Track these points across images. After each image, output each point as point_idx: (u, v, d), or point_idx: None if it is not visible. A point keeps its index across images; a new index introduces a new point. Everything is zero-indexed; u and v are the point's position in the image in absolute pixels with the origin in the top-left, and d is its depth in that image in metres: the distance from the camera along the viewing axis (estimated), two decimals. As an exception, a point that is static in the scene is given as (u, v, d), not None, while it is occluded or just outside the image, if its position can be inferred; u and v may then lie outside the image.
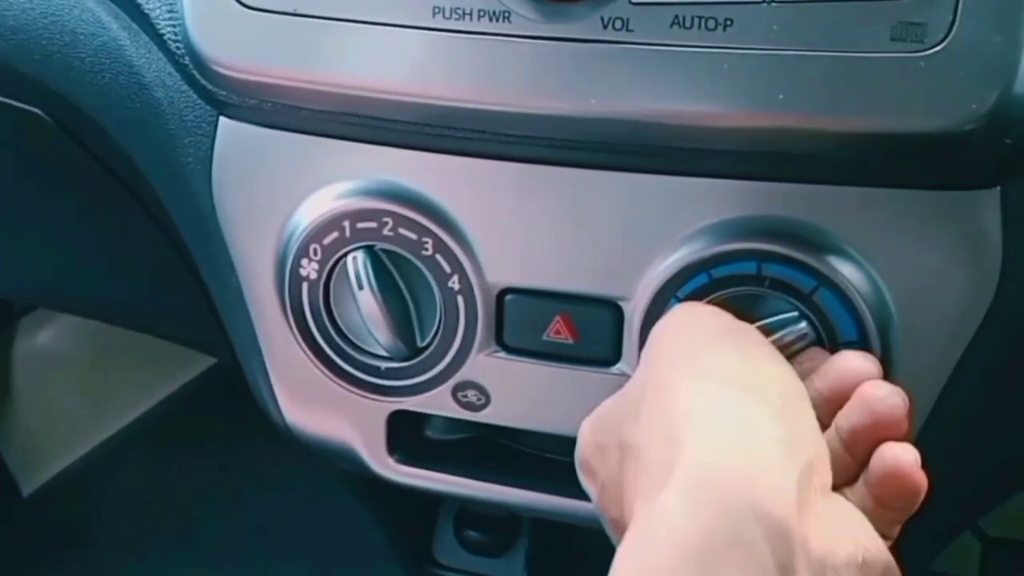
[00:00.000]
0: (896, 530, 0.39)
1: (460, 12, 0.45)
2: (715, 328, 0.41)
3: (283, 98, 0.49)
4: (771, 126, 0.42)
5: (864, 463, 0.39)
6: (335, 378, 0.54)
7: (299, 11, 0.47)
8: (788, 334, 0.45)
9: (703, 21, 0.42)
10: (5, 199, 0.69)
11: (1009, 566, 0.97)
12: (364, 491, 0.69)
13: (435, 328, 0.51)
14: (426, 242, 0.49)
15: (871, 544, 0.36)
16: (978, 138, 0.41)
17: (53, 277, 0.73)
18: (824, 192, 0.45)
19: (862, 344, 0.45)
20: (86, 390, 1.23)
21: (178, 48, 0.51)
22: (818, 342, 0.45)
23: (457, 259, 0.49)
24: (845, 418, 0.39)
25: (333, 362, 0.54)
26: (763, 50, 0.42)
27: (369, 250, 0.50)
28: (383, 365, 0.53)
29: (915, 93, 0.40)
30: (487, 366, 0.51)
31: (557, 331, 0.50)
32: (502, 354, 0.51)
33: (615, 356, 0.50)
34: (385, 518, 0.75)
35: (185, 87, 0.52)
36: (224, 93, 0.50)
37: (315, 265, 0.51)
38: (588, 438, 0.42)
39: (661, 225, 0.47)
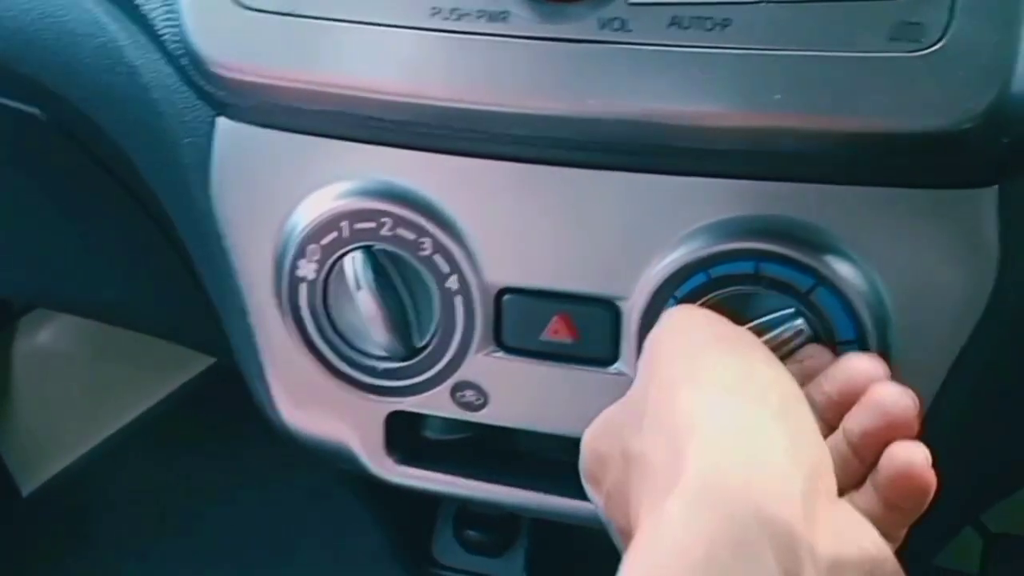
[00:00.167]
0: (902, 533, 0.39)
1: (458, 13, 0.45)
2: (711, 333, 0.41)
3: (281, 98, 0.49)
4: (768, 126, 0.43)
5: (871, 466, 0.38)
6: (333, 378, 0.54)
7: (297, 12, 0.47)
8: (785, 331, 0.45)
9: (700, 21, 0.42)
10: (4, 199, 0.69)
11: (1011, 561, 0.97)
12: (363, 491, 0.69)
13: (433, 328, 0.51)
14: (424, 242, 0.49)
15: (877, 551, 0.36)
16: (975, 137, 0.41)
17: (52, 277, 0.73)
18: (822, 191, 0.45)
19: (859, 343, 0.45)
20: (86, 389, 1.23)
21: (176, 49, 0.51)
22: (815, 340, 0.46)
23: (455, 259, 0.49)
24: (855, 421, 0.39)
25: (330, 362, 0.54)
26: (760, 50, 0.42)
27: (367, 250, 0.50)
28: (381, 365, 0.53)
29: (912, 93, 0.41)
30: (485, 366, 0.51)
31: (555, 331, 0.50)
32: (500, 354, 0.51)
33: (613, 355, 0.50)
34: (384, 518, 0.75)
35: (183, 87, 0.52)
36: (222, 93, 0.50)
37: (313, 265, 0.51)
38: (590, 449, 0.42)
39: (659, 225, 0.47)
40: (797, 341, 0.45)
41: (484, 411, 0.53)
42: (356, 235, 0.50)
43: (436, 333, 0.51)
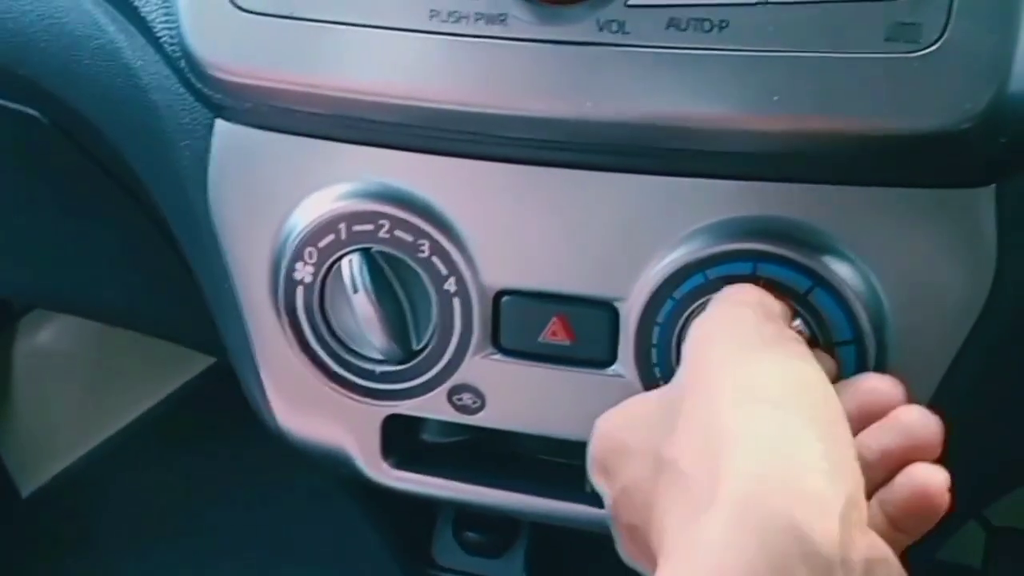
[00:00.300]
0: (898, 552, 0.39)
1: (456, 15, 0.45)
2: (760, 337, 0.40)
3: (279, 101, 0.49)
4: (766, 127, 0.43)
5: (879, 484, 0.38)
6: (329, 382, 0.54)
7: (295, 14, 0.47)
8: None
9: (698, 23, 0.42)
10: (4, 200, 0.69)
11: (1014, 555, 0.97)
12: (361, 493, 0.69)
13: (431, 331, 0.51)
14: (422, 244, 0.49)
15: None
16: (973, 137, 0.41)
17: (52, 278, 0.73)
18: (819, 192, 0.45)
19: (857, 343, 0.45)
20: (86, 390, 1.23)
21: (174, 51, 0.51)
22: (813, 341, 0.45)
23: (453, 261, 0.49)
24: (875, 439, 0.39)
25: (327, 366, 0.54)
26: (758, 51, 0.42)
27: (365, 253, 0.50)
28: (378, 369, 0.53)
29: (910, 93, 0.41)
30: (483, 368, 0.51)
31: (553, 332, 0.50)
32: (498, 356, 0.51)
33: (611, 357, 0.50)
34: (383, 520, 0.75)
35: (181, 90, 0.52)
36: (220, 96, 0.50)
37: (310, 268, 0.51)
38: (608, 436, 0.42)
39: (657, 226, 0.47)
40: None
41: (481, 414, 0.53)
42: (354, 237, 0.50)
43: (433, 336, 0.51)
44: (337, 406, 0.55)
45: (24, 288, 0.78)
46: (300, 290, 0.52)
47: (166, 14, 0.51)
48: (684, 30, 0.42)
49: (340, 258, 0.51)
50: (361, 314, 0.50)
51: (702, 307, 0.46)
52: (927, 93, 0.40)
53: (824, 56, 0.41)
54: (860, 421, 0.40)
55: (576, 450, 0.46)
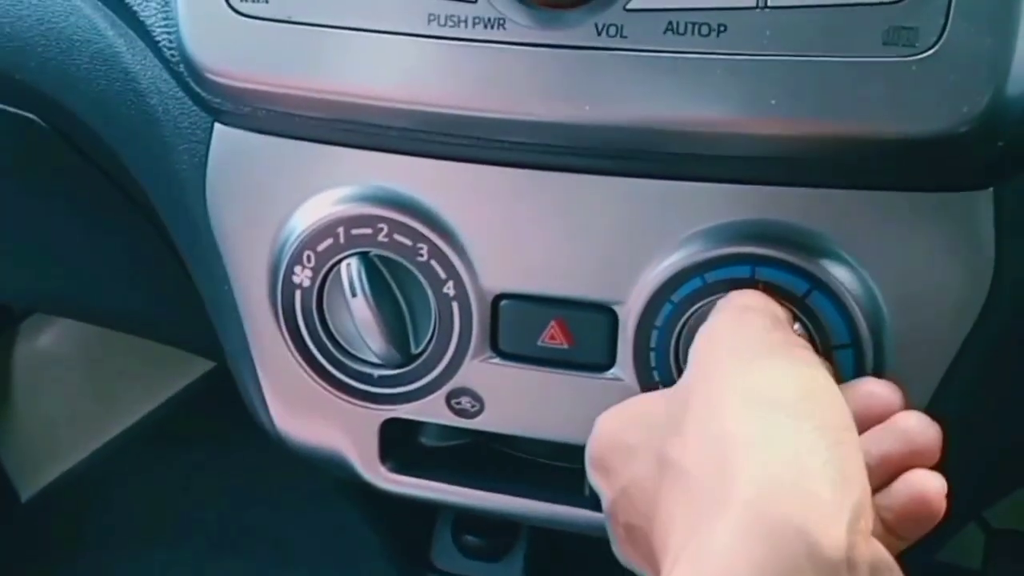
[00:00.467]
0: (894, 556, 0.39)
1: (455, 19, 0.45)
2: (769, 342, 0.40)
3: (278, 105, 0.49)
4: (765, 131, 0.43)
5: (876, 489, 0.38)
6: (327, 386, 0.54)
7: (293, 19, 0.47)
8: None
9: (697, 27, 0.42)
10: (4, 204, 0.69)
11: (1013, 557, 0.97)
12: (359, 497, 0.69)
13: (429, 334, 0.51)
14: (421, 248, 0.49)
15: None
16: (971, 140, 0.41)
17: (51, 282, 0.73)
18: (817, 195, 0.45)
19: (855, 347, 0.45)
20: (86, 394, 1.23)
21: (173, 55, 0.51)
22: (811, 344, 0.45)
23: (452, 265, 0.49)
24: (875, 444, 0.39)
25: (325, 370, 0.54)
26: (756, 55, 0.42)
27: (363, 256, 0.50)
28: (376, 372, 0.53)
29: (908, 97, 0.41)
30: (481, 372, 0.51)
31: (552, 336, 0.50)
32: (497, 360, 0.51)
33: (610, 361, 0.50)
34: (382, 523, 0.75)
35: (180, 94, 0.52)
36: (219, 100, 0.50)
37: (308, 272, 0.51)
38: (609, 435, 0.42)
39: (655, 229, 0.47)
40: None
41: (480, 418, 0.53)
42: (352, 241, 0.50)
43: (432, 339, 0.51)
44: (335, 410, 0.55)
45: (24, 292, 0.78)
46: (299, 294, 0.52)
47: (165, 19, 0.51)
48: (682, 34, 0.42)
49: (339, 262, 0.51)
50: (360, 318, 0.50)
51: (701, 311, 0.46)
52: (925, 96, 0.40)
53: (822, 60, 0.41)
54: (858, 425, 0.40)
55: (575, 453, 0.46)
